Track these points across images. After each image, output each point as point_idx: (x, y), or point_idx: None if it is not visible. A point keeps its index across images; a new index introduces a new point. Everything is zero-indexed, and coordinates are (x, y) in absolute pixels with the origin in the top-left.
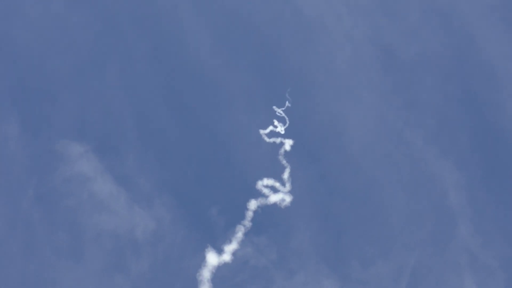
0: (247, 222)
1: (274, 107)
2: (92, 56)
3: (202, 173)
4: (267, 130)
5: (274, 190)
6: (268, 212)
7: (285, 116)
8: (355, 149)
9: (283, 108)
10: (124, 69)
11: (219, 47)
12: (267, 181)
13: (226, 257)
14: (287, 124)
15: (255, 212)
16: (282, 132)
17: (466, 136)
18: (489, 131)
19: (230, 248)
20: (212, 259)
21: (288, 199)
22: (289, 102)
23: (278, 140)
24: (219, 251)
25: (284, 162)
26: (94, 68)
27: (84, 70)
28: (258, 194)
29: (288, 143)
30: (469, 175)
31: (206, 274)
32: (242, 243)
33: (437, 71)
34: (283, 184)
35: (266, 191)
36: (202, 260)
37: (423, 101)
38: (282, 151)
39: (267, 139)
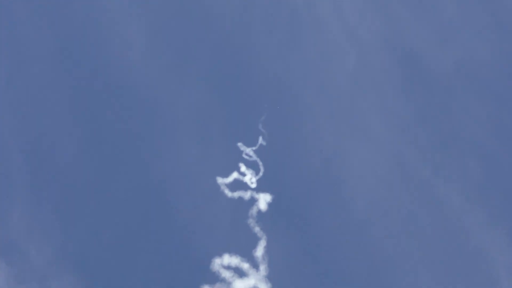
0: None
1: (239, 144)
2: None
3: (129, 242)
4: (230, 179)
5: (241, 273)
6: None
7: (257, 160)
8: (360, 211)
9: (254, 148)
10: (17, 80)
11: (159, 51)
12: (230, 259)
13: None
14: (260, 173)
15: None
16: (253, 185)
17: None
18: None
19: None
20: None
21: None
22: (263, 138)
23: (247, 194)
24: None
25: (256, 229)
26: None
27: None
28: (214, 279)
29: (263, 200)
30: None
31: None
32: None
33: (483, 91)
34: (255, 265)
35: (227, 274)
36: None
37: (462, 136)
38: (253, 212)
39: (229, 193)
